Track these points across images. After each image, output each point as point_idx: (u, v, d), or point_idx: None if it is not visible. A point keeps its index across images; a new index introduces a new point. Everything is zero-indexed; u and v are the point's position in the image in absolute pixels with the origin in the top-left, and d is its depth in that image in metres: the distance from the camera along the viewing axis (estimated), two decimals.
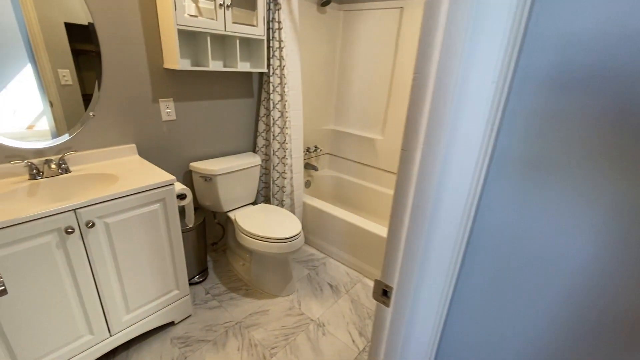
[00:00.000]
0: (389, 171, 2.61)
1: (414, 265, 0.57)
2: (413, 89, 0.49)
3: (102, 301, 1.33)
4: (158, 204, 1.40)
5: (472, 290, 0.63)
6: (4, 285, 0.60)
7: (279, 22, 1.91)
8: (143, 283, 1.45)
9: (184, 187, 1.54)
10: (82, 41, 1.41)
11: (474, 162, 0.50)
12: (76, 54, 1.41)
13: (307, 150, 2.75)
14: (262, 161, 2.25)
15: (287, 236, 1.74)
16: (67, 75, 1.40)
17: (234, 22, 1.71)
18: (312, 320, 1.75)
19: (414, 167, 0.52)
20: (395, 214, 0.57)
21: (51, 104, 1.40)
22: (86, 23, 1.40)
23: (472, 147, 0.49)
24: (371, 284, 2.06)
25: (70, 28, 1.36)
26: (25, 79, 1.30)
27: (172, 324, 1.65)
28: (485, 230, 0.57)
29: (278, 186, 2.26)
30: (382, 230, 2.00)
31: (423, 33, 0.46)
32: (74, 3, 1.35)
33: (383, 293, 0.65)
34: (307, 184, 2.87)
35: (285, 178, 2.22)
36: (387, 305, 0.64)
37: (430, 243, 0.55)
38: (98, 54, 1.46)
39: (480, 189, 0.54)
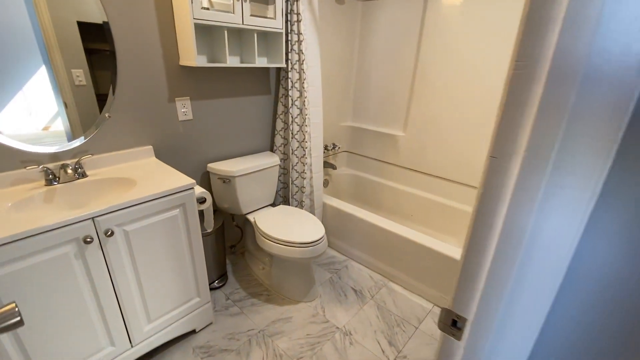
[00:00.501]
0: (411, 169, 2.49)
1: (500, 296, 0.47)
2: (514, 79, 0.39)
3: (123, 311, 1.28)
4: (178, 210, 1.32)
5: (566, 325, 0.53)
6: (20, 315, 0.53)
7: (298, 14, 1.81)
8: (164, 292, 1.39)
9: (204, 190, 1.46)
10: (95, 40, 1.35)
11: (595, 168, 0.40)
12: (89, 53, 1.35)
13: (325, 148, 2.65)
14: (280, 161, 2.16)
15: (310, 240, 1.66)
16: (81, 75, 1.35)
17: (251, 15, 1.61)
18: (337, 328, 1.66)
19: (508, 179, 0.42)
20: (476, 234, 0.47)
21: (65, 105, 1.34)
22: (101, 22, 1.34)
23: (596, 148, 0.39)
24: (397, 288, 1.97)
25: (83, 27, 1.30)
26: (40, 80, 1.26)
27: (193, 332, 1.59)
28: (593, 256, 0.47)
29: (297, 186, 2.18)
30: (405, 232, 1.90)
31: (533, 4, 0.36)
32: (89, 2, 1.29)
33: (452, 324, 0.55)
34: (325, 183, 2.78)
35: (304, 178, 2.13)
36: (458, 338, 0.55)
37: (525, 271, 0.45)
38: (112, 53, 1.39)
39: (593, 204, 0.43)
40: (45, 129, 1.31)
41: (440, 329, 0.57)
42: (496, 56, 1.88)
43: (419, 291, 1.91)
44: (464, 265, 0.50)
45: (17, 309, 0.53)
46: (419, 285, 1.90)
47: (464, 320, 0.53)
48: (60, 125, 1.34)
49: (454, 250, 1.74)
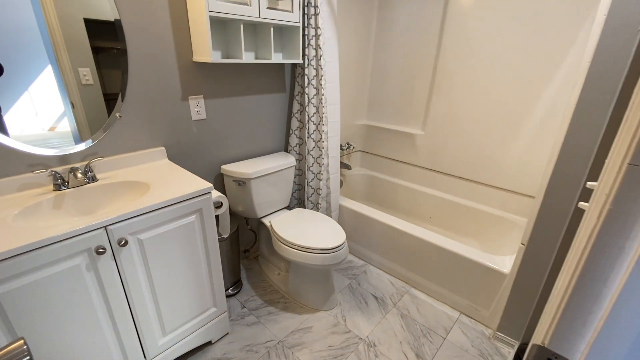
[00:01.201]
0: (430, 169, 2.39)
1: (626, 339, 0.37)
2: None
3: (137, 325, 1.19)
4: (194, 216, 1.24)
5: None
6: (29, 354, 0.44)
7: (316, 7, 1.71)
8: (179, 303, 1.30)
9: (220, 194, 1.37)
10: (103, 38, 1.27)
11: None
12: (96, 51, 1.26)
13: (340, 147, 2.55)
14: (295, 161, 2.07)
15: (331, 246, 1.57)
16: (88, 74, 1.28)
17: (268, 8, 1.52)
18: (360, 339, 1.57)
19: None
20: (595, 257, 0.38)
21: (72, 105, 1.27)
22: (112, 19, 1.26)
23: None
24: (421, 295, 1.87)
25: (90, 25, 1.23)
26: (46, 80, 1.19)
27: (209, 343, 1.51)
28: None
29: (313, 188, 2.09)
30: (428, 235, 1.80)
31: None
32: (100, 0, 1.22)
33: None
34: (340, 184, 2.68)
35: (320, 179, 2.04)
36: None
37: None
38: (123, 52, 1.31)
39: None
40: (52, 129, 1.24)
41: None
42: (521, 53, 1.78)
43: (443, 299, 1.81)
44: (573, 293, 0.41)
45: (25, 347, 0.45)
46: (444, 292, 1.80)
47: None
48: (67, 125, 1.26)
49: (481, 255, 1.64)
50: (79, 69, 1.25)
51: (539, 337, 0.47)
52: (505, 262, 1.59)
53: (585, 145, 1.14)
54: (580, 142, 1.14)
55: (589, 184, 0.93)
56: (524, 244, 1.40)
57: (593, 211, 0.39)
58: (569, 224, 1.24)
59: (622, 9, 0.99)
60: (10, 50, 1.08)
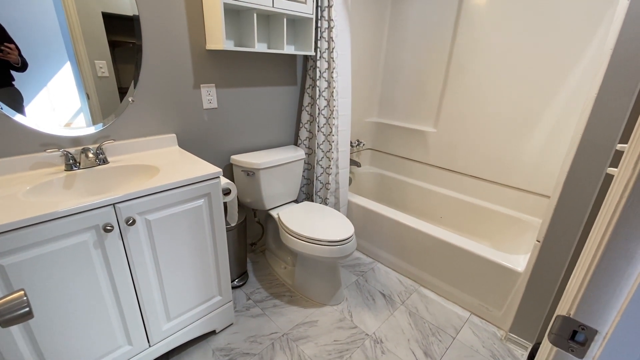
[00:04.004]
0: (441, 167, 2.35)
1: None
2: None
3: (142, 308, 1.18)
4: (202, 200, 1.23)
5: None
6: (28, 305, 0.43)
7: None
8: (185, 288, 1.29)
9: (229, 181, 1.37)
10: (119, 32, 1.29)
11: None
12: (112, 45, 1.28)
13: (350, 144, 2.53)
14: (305, 155, 2.05)
15: (339, 239, 1.54)
16: (104, 66, 1.30)
17: None
18: (367, 335, 1.53)
19: None
20: (627, 215, 0.35)
21: (88, 97, 1.28)
22: (131, 14, 1.29)
23: None
24: (430, 294, 1.82)
25: (107, 18, 1.25)
26: (65, 74, 1.21)
27: (213, 333, 1.49)
28: None
29: (322, 183, 2.07)
30: (439, 233, 1.75)
31: None
32: None
33: (572, 336, 0.42)
34: (349, 182, 2.66)
35: (329, 174, 2.02)
36: (580, 355, 0.42)
37: None
38: (137, 45, 1.33)
39: None
40: (68, 125, 1.25)
41: (552, 342, 0.44)
42: (538, 49, 1.73)
43: (453, 298, 1.76)
44: (604, 254, 0.38)
45: (25, 298, 0.43)
46: (454, 291, 1.75)
47: (593, 332, 0.41)
48: (83, 121, 1.27)
49: (494, 253, 1.59)
50: (95, 61, 1.27)
51: (563, 309, 0.44)
52: (520, 260, 1.54)
53: (607, 136, 1.09)
54: (602, 131, 1.10)
55: (609, 169, 0.89)
56: (539, 241, 1.35)
57: (626, 167, 0.36)
58: (588, 217, 1.19)
59: None
60: (33, 45, 1.11)
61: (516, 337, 1.49)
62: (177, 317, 1.31)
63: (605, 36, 1.51)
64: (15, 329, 0.91)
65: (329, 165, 2.00)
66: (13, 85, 1.10)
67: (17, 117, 1.13)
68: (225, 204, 1.42)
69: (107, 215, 1.00)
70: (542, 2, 1.69)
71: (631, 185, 0.34)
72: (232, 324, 1.55)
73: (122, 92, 1.35)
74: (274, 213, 1.83)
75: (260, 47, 1.69)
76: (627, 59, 1.02)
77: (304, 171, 2.13)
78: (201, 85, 1.56)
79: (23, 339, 0.93)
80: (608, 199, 0.40)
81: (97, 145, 1.28)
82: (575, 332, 0.42)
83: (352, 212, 2.19)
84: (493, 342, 1.52)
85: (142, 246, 1.11)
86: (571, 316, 0.42)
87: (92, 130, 1.30)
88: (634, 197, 0.34)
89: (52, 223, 0.90)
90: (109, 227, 1.00)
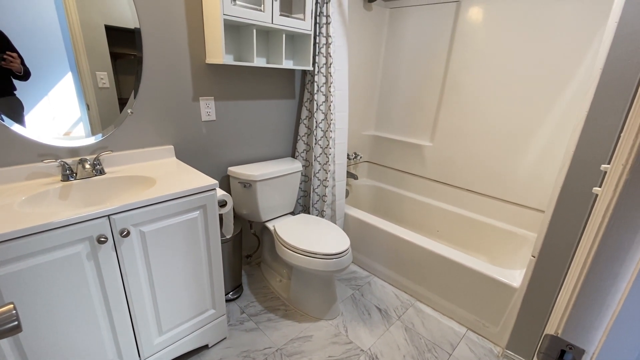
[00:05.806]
0: (438, 181, 2.36)
1: None
2: None
3: (133, 321, 1.17)
4: (198, 211, 1.23)
5: None
6: (17, 319, 0.43)
7: (327, 16, 1.75)
8: (177, 300, 1.28)
9: (225, 193, 1.37)
10: (120, 44, 1.31)
11: None
12: (114, 57, 1.31)
13: (347, 157, 2.55)
14: (302, 167, 2.07)
15: (334, 252, 1.53)
16: (105, 77, 1.32)
17: (281, 15, 1.56)
18: (362, 350, 1.51)
19: None
20: (611, 234, 0.35)
21: (88, 107, 1.30)
22: (132, 27, 1.32)
23: None
24: (426, 309, 1.80)
25: (109, 30, 1.28)
26: (66, 84, 1.22)
27: (205, 347, 1.47)
28: None
29: (318, 195, 2.07)
30: (437, 247, 1.75)
31: None
32: (123, 8, 1.28)
33: (560, 355, 0.43)
34: (345, 194, 2.66)
35: (326, 186, 2.03)
36: None
37: None
38: (138, 57, 1.35)
39: None
40: (67, 134, 1.26)
41: None
42: (532, 66, 1.78)
43: (450, 313, 1.74)
44: (589, 273, 0.38)
45: (15, 312, 0.43)
46: (451, 306, 1.73)
47: (581, 351, 0.41)
48: (82, 131, 1.29)
49: (490, 267, 1.58)
50: (96, 72, 1.29)
51: (551, 327, 0.44)
52: (515, 275, 1.53)
53: (598, 154, 1.11)
54: (593, 150, 1.12)
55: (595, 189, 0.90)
56: (534, 256, 1.35)
57: (608, 188, 0.37)
58: (581, 234, 1.19)
59: (633, 15, 0.99)
60: (36, 55, 1.13)
61: (513, 354, 1.47)
62: (169, 330, 1.29)
63: (596, 56, 1.55)
64: (4, 342, 0.89)
65: (326, 178, 2.01)
66: (14, 94, 1.12)
67: (15, 127, 1.14)
68: (221, 215, 1.42)
69: (102, 226, 1.00)
70: (536, 21, 1.74)
71: (612, 205, 0.35)
72: (225, 338, 1.53)
73: (122, 103, 1.37)
74: (270, 225, 1.83)
75: (259, 61, 1.73)
76: (615, 79, 1.04)
77: (300, 183, 2.14)
78: (200, 98, 1.58)
79: (12, 351, 0.91)
80: (592, 219, 0.41)
81: (94, 156, 1.29)
82: (563, 352, 0.43)
83: (349, 225, 2.19)
84: (490, 359, 1.50)
85: (136, 258, 1.11)
86: (559, 335, 0.42)
87: (91, 140, 1.31)
88: (615, 218, 0.35)
89: (46, 234, 0.90)
90: (102, 239, 1.00)
